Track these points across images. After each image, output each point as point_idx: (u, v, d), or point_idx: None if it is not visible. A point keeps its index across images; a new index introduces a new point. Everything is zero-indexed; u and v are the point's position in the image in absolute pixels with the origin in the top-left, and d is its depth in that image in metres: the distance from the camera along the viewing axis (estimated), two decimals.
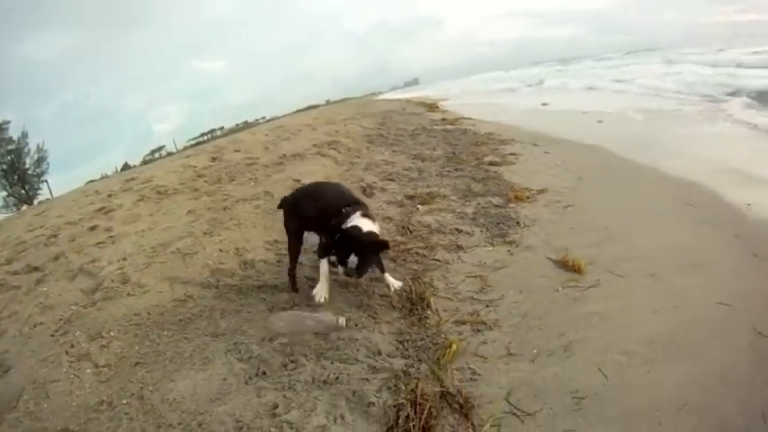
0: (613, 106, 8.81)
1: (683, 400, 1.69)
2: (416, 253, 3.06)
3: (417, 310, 2.41)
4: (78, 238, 3.80)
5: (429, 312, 2.38)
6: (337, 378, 1.96)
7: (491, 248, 3.08)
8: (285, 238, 3.23)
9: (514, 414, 1.71)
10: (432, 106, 11.06)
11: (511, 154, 5.49)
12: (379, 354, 2.11)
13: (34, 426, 1.91)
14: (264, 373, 2.08)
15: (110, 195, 5.16)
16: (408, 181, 4.85)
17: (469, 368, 1.99)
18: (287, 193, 4.45)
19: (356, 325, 2.33)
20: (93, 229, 3.99)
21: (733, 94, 8.44)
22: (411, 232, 3.38)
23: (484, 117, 8.81)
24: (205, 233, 3.60)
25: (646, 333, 2.05)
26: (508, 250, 3.02)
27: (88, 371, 2.19)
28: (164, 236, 3.62)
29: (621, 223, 3.18)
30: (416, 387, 1.81)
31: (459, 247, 3.11)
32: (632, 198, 3.67)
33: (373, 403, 1.80)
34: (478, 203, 3.85)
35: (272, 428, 1.73)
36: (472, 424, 1.69)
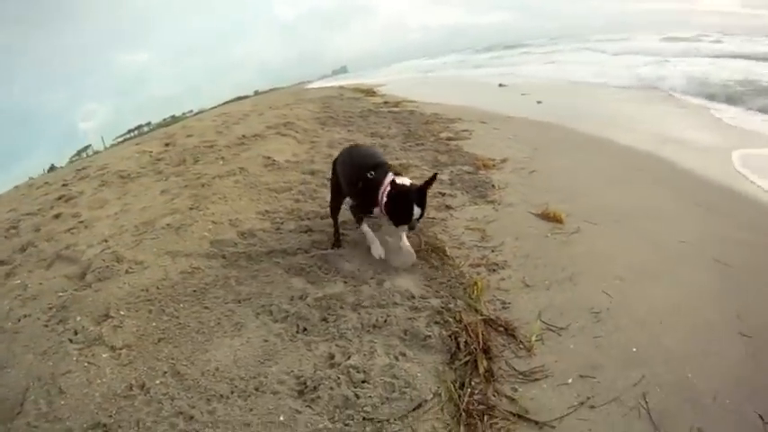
0: (547, 88, 9.49)
1: (671, 306, 2.03)
2: None
3: (435, 257, 2.53)
4: (44, 227, 3.37)
5: (446, 258, 2.51)
6: (385, 321, 2.01)
7: (477, 207, 3.28)
8: (275, 208, 3.38)
9: (550, 329, 1.91)
10: (369, 92, 11.05)
11: (463, 131, 5.76)
12: (413, 297, 2.20)
13: (53, 428, 1.65)
14: (306, 330, 2.06)
15: (65, 185, 4.64)
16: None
17: (498, 299, 2.17)
18: (260, 169, 4.42)
19: (383, 275, 2.39)
20: (57, 216, 3.59)
21: (661, 78, 9.22)
22: None
23: (425, 100, 9.06)
24: (191, 208, 3.40)
25: (628, 263, 2.39)
26: (493, 207, 3.24)
27: (104, 355, 1.97)
28: (144, 215, 3.36)
29: (583, 184, 3.56)
30: (462, 318, 1.93)
31: (449, 207, 3.27)
32: (586, 163, 4.11)
33: (429, 336, 1.89)
34: (451, 171, 4.03)
35: (339, 376, 1.73)
36: (520, 341, 1.85)
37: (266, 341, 1.98)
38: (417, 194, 2.22)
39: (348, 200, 2.66)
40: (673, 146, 4.52)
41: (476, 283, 2.25)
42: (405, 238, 2.53)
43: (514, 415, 1.54)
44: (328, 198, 2.89)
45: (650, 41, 15.57)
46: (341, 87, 13.14)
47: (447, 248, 2.64)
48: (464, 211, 3.21)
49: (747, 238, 2.59)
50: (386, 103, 9.02)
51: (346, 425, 1.53)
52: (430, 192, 2.36)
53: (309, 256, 2.66)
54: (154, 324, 2.14)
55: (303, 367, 1.81)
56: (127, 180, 4.45)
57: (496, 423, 1.51)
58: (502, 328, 1.94)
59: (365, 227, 2.59)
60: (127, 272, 2.57)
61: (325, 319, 2.10)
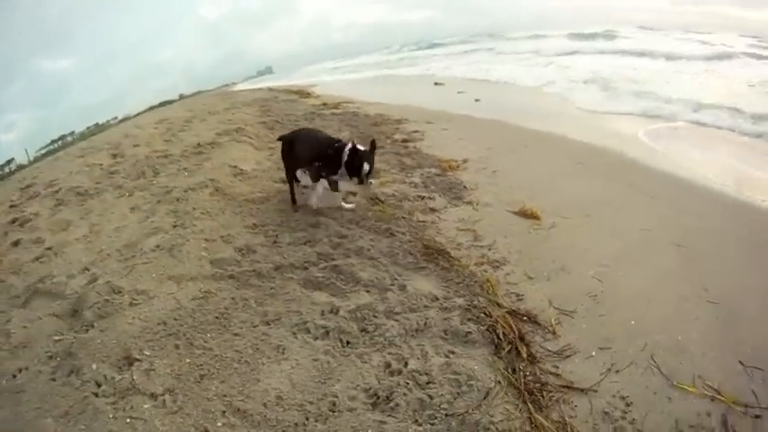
0: (479, 86, 9.98)
1: (650, 284, 2.44)
2: (402, 218, 3.26)
3: (442, 259, 2.69)
4: (4, 258, 2.85)
5: (452, 260, 2.68)
6: (425, 324, 2.13)
7: (458, 208, 3.49)
8: (263, 220, 3.30)
9: (563, 314, 2.20)
10: (303, 93, 10.79)
11: (414, 131, 5.95)
12: (438, 299, 2.34)
13: None
14: (350, 343, 2.10)
15: (13, 206, 3.93)
16: None
17: (512, 293, 2.41)
18: (230, 179, 4.18)
19: (400, 280, 2.49)
20: (16, 244, 3.11)
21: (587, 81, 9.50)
22: (383, 202, 3.54)
23: (363, 100, 9.13)
24: (175, 226, 3.16)
25: (606, 252, 2.77)
26: (473, 208, 3.48)
27: (146, 406, 1.78)
28: (122, 236, 3.06)
29: (544, 180, 3.93)
30: (490, 312, 2.15)
31: (433, 210, 3.45)
32: (540, 159, 4.51)
33: (469, 332, 2.05)
34: (421, 174, 4.20)
35: (406, 381, 1.81)
36: (543, 326, 2.11)
37: (316, 360, 1.98)
38: (366, 155, 3.06)
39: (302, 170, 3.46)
40: (611, 139, 5.08)
41: (488, 280, 2.46)
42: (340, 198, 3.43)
43: (564, 387, 1.79)
44: (311, 204, 3.39)
45: (559, 40, 16.69)
46: (271, 89, 12.60)
47: (450, 250, 2.79)
48: (448, 213, 3.40)
49: (693, 222, 3.12)
50: (325, 104, 8.91)
51: (432, 425, 1.62)
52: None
53: (321, 268, 2.65)
54: (188, 360, 1.99)
55: (367, 380, 1.85)
56: (85, 197, 3.98)
57: (553, 395, 1.74)
58: (525, 318, 2.17)
59: (319, 184, 3.33)
60: (131, 304, 2.33)
61: (365, 330, 2.15)
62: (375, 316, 2.22)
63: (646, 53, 11.19)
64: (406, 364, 1.90)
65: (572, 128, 5.52)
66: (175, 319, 2.21)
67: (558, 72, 10.39)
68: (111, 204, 3.73)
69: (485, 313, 2.19)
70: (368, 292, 2.42)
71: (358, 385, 1.82)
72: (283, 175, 4.40)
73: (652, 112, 6.41)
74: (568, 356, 1.95)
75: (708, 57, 10.49)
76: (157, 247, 2.88)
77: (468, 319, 2.16)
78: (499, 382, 1.80)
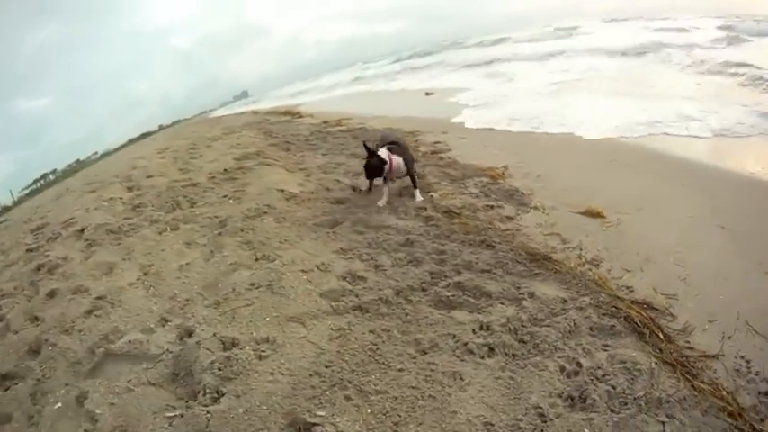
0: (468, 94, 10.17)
1: (720, 262, 2.67)
2: (488, 228, 3.31)
3: (548, 265, 2.77)
4: (43, 312, 2.59)
5: (557, 264, 2.77)
6: (574, 324, 2.20)
7: (529, 214, 3.59)
8: (348, 244, 3.25)
9: (669, 298, 2.41)
10: (293, 113, 10.62)
11: (436, 142, 6.03)
12: (567, 300, 2.41)
13: None
14: (516, 355, 2.11)
15: (30, 250, 3.51)
16: None
17: (622, 286, 2.55)
18: (284, 203, 4.06)
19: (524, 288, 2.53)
20: (53, 295, 2.85)
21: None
22: (459, 215, 3.57)
23: (361, 114, 9.14)
24: (257, 259, 2.98)
25: (673, 240, 2.97)
26: (543, 213, 3.59)
27: None
28: (194, 277, 2.90)
29: (587, 181, 4.10)
30: (618, 305, 2.30)
31: (509, 218, 3.52)
32: (573, 161, 4.69)
33: (612, 325, 2.16)
34: (475, 184, 4.27)
35: (588, 379, 1.89)
36: (660, 311, 2.30)
37: (498, 378, 1.98)
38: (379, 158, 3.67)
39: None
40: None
41: (599, 278, 2.59)
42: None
43: (701, 356, 1.98)
44: (387, 223, 3.42)
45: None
46: (255, 113, 12.30)
47: (549, 254, 2.87)
48: (523, 219, 3.48)
49: (725, 205, 3.37)
50: (326, 122, 8.84)
51: (627, 410, 1.73)
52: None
53: (443, 287, 2.63)
54: (369, 411, 1.87)
55: (555, 385, 1.89)
56: (119, 235, 3.69)
57: (696, 364, 1.93)
58: (645, 305, 2.32)
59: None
60: (260, 357, 2.15)
61: (523, 341, 2.17)
62: (524, 326, 2.24)
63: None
64: (579, 364, 1.95)
65: (581, 128, 5.80)
66: (327, 366, 2.07)
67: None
68: (156, 241, 3.51)
69: (615, 307, 2.30)
70: (502, 304, 2.43)
71: (551, 392, 1.85)
72: (337, 194, 4.36)
73: None
74: (691, 332, 2.14)
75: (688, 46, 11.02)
76: (252, 285, 2.70)
77: (604, 314, 2.25)
78: (655, 362, 1.92)
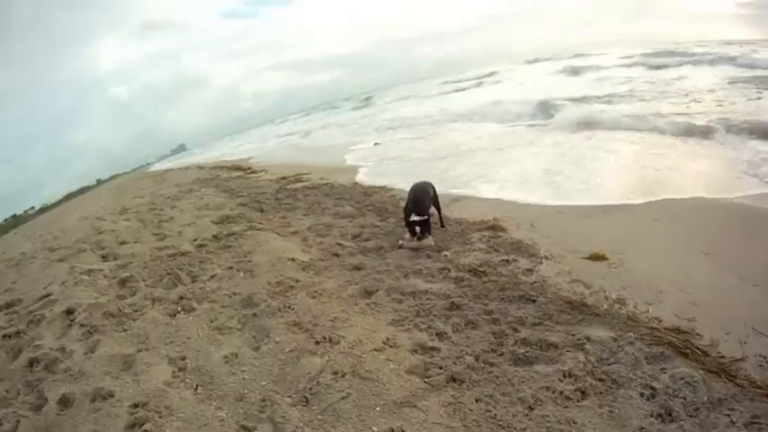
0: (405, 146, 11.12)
1: (730, 284, 3.36)
2: (518, 283, 3.78)
3: (585, 311, 3.30)
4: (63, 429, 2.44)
5: (592, 308, 3.31)
6: (635, 357, 2.72)
7: (545, 265, 4.15)
8: (400, 315, 3.48)
9: (690, 321, 2.97)
10: (244, 168, 10.48)
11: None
12: (615, 339, 2.91)
13: None
14: (602, 392, 2.55)
15: (9, 337, 3.31)
16: (384, 235, 5.18)
17: (653, 317, 3.13)
18: (304, 274, 4.12)
19: (578, 335, 2.98)
20: (68, 403, 2.67)
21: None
22: (484, 273, 4.01)
23: (316, 167, 9.40)
24: (318, 342, 3.09)
25: (670, 270, 3.70)
26: (555, 262, 4.19)
27: None
28: (248, 372, 2.90)
29: (577, 227, 4.88)
30: (657, 335, 2.85)
31: (530, 270, 4.06)
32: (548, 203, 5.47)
33: (662, 352, 2.70)
34: (479, 239, 4.80)
35: (672, 400, 2.35)
36: (689, 333, 2.85)
37: (601, 415, 2.39)
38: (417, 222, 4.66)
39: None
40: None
41: (631, 315, 3.20)
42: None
43: (733, 361, 2.63)
44: (421, 288, 3.76)
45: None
46: (201, 168, 11.85)
47: (587, 302, 3.40)
48: (542, 269, 4.05)
49: (701, 232, 4.21)
50: (284, 178, 8.97)
51: (702, 413, 2.28)
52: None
53: (512, 345, 3.01)
54: None
55: (644, 409, 2.35)
56: (122, 318, 3.48)
57: (731, 367, 2.57)
58: (677, 331, 2.94)
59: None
60: None
61: (602, 380, 2.62)
62: (596, 367, 2.72)
63: None
64: (653, 388, 2.47)
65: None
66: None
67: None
68: (174, 326, 3.39)
69: (655, 336, 2.89)
70: (569, 351, 2.90)
71: (644, 414, 2.32)
72: (350, 260, 4.53)
73: None
74: (717, 345, 2.78)
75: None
76: (336, 374, 2.77)
77: (650, 344, 2.82)
78: (703, 372, 2.53)
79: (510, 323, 3.22)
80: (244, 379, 2.81)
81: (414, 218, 4.64)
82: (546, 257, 4.29)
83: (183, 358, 3.07)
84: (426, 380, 2.70)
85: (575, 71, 19.03)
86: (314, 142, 15.64)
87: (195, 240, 5.23)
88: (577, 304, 3.39)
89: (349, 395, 2.58)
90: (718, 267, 3.69)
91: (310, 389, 2.64)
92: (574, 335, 3.03)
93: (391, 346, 3.03)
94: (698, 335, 2.89)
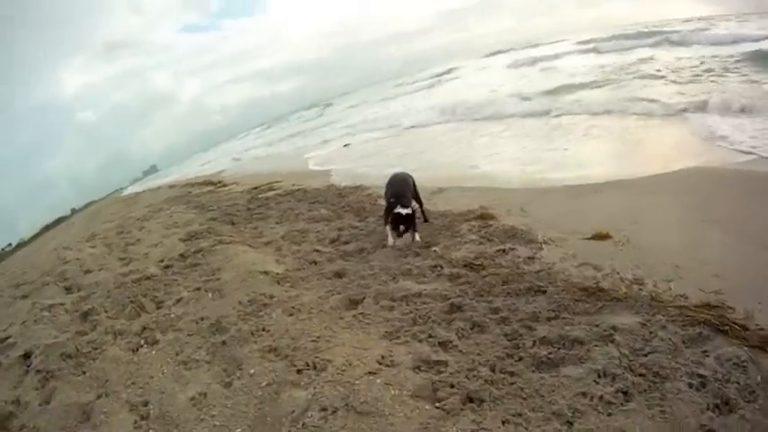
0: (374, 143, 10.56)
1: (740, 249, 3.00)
2: (522, 273, 3.29)
3: (603, 298, 2.83)
4: None
5: (610, 292, 2.85)
6: (672, 342, 2.27)
7: (546, 250, 3.67)
8: (393, 325, 2.90)
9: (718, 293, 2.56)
10: (215, 183, 9.71)
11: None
12: (644, 324, 2.46)
13: None
14: (647, 390, 2.06)
15: None
16: (365, 235, 4.63)
17: (678, 295, 2.71)
18: (279, 288, 3.54)
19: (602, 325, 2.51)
20: None
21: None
22: (481, 266, 3.50)
23: (286, 174, 8.79)
24: (300, 371, 2.51)
25: (680, 242, 3.33)
26: (556, 246, 3.72)
27: None
28: (222, 412, 2.33)
29: (569, 206, 4.44)
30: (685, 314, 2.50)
31: (531, 258, 3.58)
32: (541, 192, 5.03)
33: (699, 333, 2.32)
34: (469, 230, 4.28)
35: (726, 374, 2.01)
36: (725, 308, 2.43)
37: (652, 417, 1.90)
38: (405, 218, 4.02)
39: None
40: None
41: (655, 295, 2.76)
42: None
43: None
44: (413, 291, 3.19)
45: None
46: (172, 187, 11.02)
47: (603, 286, 2.93)
48: (544, 256, 3.57)
49: (699, 200, 3.85)
50: (255, 188, 8.30)
51: (759, 396, 1.89)
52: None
53: (531, 347, 2.50)
54: None
55: (698, 402, 1.92)
56: (80, 359, 3.16)
57: None
58: (708, 306, 2.53)
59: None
60: None
61: (642, 374, 2.14)
62: (632, 360, 2.22)
63: None
64: (700, 376, 2.03)
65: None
66: None
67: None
68: (135, 363, 2.83)
69: (686, 316, 2.47)
70: (597, 346, 2.39)
71: (701, 409, 1.88)
72: (329, 267, 3.96)
73: None
74: (752, 316, 2.39)
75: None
76: (324, 410, 2.16)
77: (684, 326, 2.39)
78: (747, 349, 2.13)
79: (522, 321, 2.71)
80: (214, 426, 2.19)
81: (399, 210, 4.02)
82: (545, 242, 3.82)
83: (146, 404, 2.47)
84: (438, 404, 2.13)
85: (531, 62, 18.93)
86: (283, 151, 14.91)
87: (161, 261, 4.58)
88: (593, 290, 2.92)
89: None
90: (730, 235, 3.32)
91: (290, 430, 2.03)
92: (598, 325, 2.54)
93: (388, 366, 2.45)
94: (730, 308, 2.49)
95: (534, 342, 2.48)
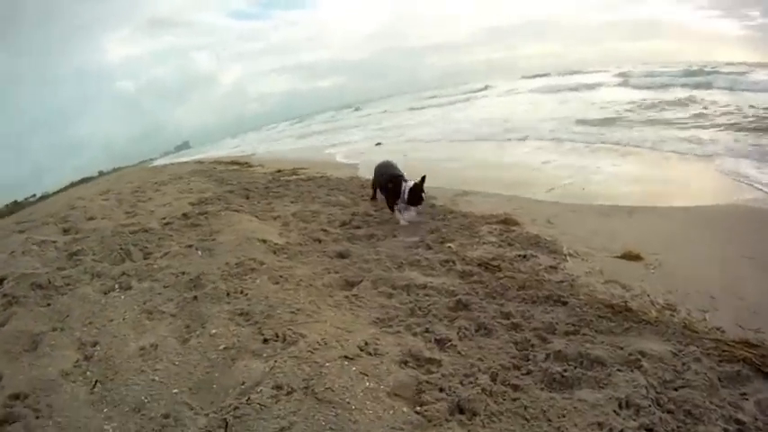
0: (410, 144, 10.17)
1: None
2: (542, 281, 2.82)
3: (631, 318, 2.36)
4: None
5: (638, 314, 2.39)
6: (707, 378, 1.84)
7: (569, 263, 3.20)
8: (386, 312, 2.52)
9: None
10: (241, 163, 9.59)
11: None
12: (676, 354, 2.01)
13: None
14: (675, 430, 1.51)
15: None
16: (379, 223, 4.22)
17: (713, 328, 2.27)
18: (273, 257, 3.16)
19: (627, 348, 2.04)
20: None
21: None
22: (498, 267, 3.02)
23: (315, 162, 8.52)
24: (267, 340, 2.19)
25: (716, 274, 2.85)
26: (582, 260, 3.26)
27: None
28: (167, 369, 2.01)
29: (600, 224, 3.92)
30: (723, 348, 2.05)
31: (553, 268, 3.12)
32: (571, 208, 4.48)
33: (738, 371, 1.86)
34: (489, 232, 3.82)
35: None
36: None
37: None
38: (420, 188, 3.94)
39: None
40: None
41: (688, 324, 2.31)
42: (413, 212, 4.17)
43: None
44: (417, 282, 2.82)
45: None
46: (200, 162, 11.01)
47: (631, 306, 2.48)
48: (568, 268, 3.13)
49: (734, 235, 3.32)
50: (279, 171, 8.06)
51: None
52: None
53: (542, 360, 2.07)
54: None
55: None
56: (49, 291, 2.92)
57: None
58: (748, 344, 2.08)
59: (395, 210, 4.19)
60: None
61: (671, 411, 1.71)
62: (660, 393, 1.80)
63: None
64: (739, 422, 1.63)
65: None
66: None
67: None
68: (101, 305, 2.60)
69: (723, 351, 2.03)
70: (621, 371, 1.95)
71: None
72: (333, 247, 3.56)
73: None
74: None
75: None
76: (278, 388, 1.76)
77: (720, 362, 1.98)
78: None
79: (536, 330, 2.25)
80: (153, 381, 1.83)
81: (410, 183, 3.97)
82: (570, 254, 3.33)
83: (95, 344, 2.19)
84: (419, 408, 1.69)
85: (569, 88, 18.00)
86: (313, 144, 14.75)
87: (164, 219, 4.32)
88: (620, 308, 2.45)
89: (291, 426, 1.54)
90: (763, 272, 2.83)
91: (236, 408, 1.63)
92: (622, 348, 2.10)
93: (370, 354, 2.03)
94: None
95: (547, 356, 2.02)
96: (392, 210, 4.24)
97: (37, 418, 1.70)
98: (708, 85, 13.35)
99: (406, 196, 3.97)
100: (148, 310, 2.42)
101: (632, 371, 1.92)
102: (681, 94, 12.63)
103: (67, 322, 2.37)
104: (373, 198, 4.90)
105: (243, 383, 1.77)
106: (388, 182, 4.15)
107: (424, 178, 3.98)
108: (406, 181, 4.06)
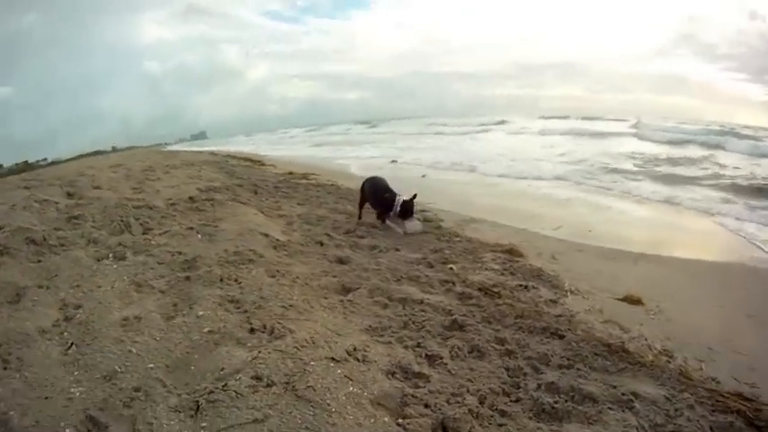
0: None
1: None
2: (541, 312, 2.73)
3: (626, 357, 2.28)
4: None
5: (632, 355, 2.30)
6: (700, 426, 1.72)
7: (569, 299, 3.13)
8: (378, 321, 2.43)
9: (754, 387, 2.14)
10: (254, 160, 9.65)
11: (422, 210, 5.50)
12: (669, 399, 1.85)
13: None
14: None
15: None
16: (383, 236, 4.16)
17: (708, 378, 2.19)
18: (273, 252, 3.13)
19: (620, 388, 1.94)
20: None
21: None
22: (498, 294, 2.92)
23: (326, 170, 8.52)
24: (254, 330, 2.12)
25: (716, 327, 2.79)
26: (582, 297, 3.18)
27: None
28: (146, 343, 1.91)
29: (604, 267, 3.84)
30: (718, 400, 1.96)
31: (553, 301, 3.04)
32: (577, 248, 4.40)
33: (731, 423, 1.81)
34: (493, 260, 3.73)
35: None
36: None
37: None
38: (412, 203, 4.27)
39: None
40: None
41: (684, 371, 2.23)
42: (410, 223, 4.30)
43: None
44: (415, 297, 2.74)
45: None
46: (214, 154, 11.08)
47: (628, 348, 2.39)
48: (568, 303, 3.05)
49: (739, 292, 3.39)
50: (291, 173, 8.08)
51: None
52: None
53: (533, 389, 1.97)
54: None
55: None
56: (42, 248, 2.88)
57: None
58: (742, 397, 2.01)
59: (388, 222, 4.41)
60: None
61: None
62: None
63: None
64: None
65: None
66: None
67: None
68: (92, 270, 2.47)
69: (716, 401, 1.96)
70: (612, 409, 1.86)
71: None
72: (334, 251, 3.48)
73: None
74: None
75: None
76: (257, 379, 1.67)
77: (714, 411, 1.90)
78: None
79: (530, 359, 2.16)
80: (129, 352, 1.75)
81: (402, 198, 4.26)
82: (572, 291, 3.25)
83: (78, 307, 2.11)
84: (401, 421, 1.60)
85: (582, 133, 17.97)
86: (332, 154, 14.84)
87: (169, 199, 4.30)
88: (617, 348, 2.37)
89: (266, 419, 1.44)
90: (763, 330, 2.80)
91: (211, 392, 1.54)
92: (615, 387, 2.01)
93: (357, 360, 1.94)
94: (765, 405, 1.96)
95: (539, 385, 1.93)
96: (383, 222, 4.45)
97: (5, 369, 1.63)
98: (725, 146, 13.38)
99: (398, 209, 4.27)
100: (138, 283, 2.36)
101: (624, 411, 1.84)
102: (698, 151, 12.68)
103: (54, 281, 2.31)
104: (360, 218, 4.73)
105: (222, 369, 1.69)
106: (384, 193, 4.39)
107: (414, 196, 4.33)
108: (398, 195, 4.35)
